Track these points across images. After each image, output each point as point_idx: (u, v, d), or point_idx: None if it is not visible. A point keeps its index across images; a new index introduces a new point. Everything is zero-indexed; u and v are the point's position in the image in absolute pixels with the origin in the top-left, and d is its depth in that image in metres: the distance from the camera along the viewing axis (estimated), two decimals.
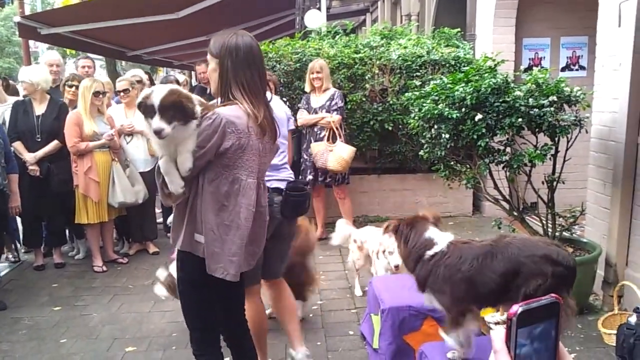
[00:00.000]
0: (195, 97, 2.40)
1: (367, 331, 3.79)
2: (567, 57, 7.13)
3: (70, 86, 5.79)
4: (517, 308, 0.80)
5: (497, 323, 3.67)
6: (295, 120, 6.10)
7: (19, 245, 6.01)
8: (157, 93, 2.25)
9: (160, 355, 3.82)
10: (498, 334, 0.85)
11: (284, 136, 3.59)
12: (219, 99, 2.54)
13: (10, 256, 5.97)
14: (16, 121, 5.38)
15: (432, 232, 2.68)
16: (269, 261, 3.22)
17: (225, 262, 2.43)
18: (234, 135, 2.37)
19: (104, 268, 5.57)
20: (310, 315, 4.41)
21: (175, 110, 2.24)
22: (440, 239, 2.64)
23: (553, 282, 2.41)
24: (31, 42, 8.65)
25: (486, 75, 4.15)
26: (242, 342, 2.87)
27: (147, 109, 2.25)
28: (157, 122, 2.22)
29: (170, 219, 2.79)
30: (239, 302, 2.86)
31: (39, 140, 5.42)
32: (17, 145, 5.31)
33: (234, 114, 2.40)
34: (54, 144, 5.48)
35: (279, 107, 3.73)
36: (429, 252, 2.60)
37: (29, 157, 5.35)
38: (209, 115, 2.35)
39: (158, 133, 2.23)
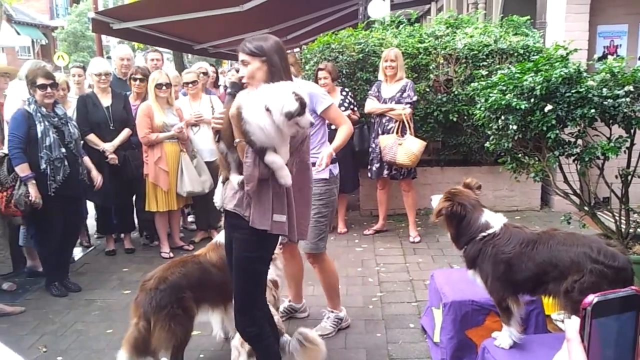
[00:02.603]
0: None
1: (428, 324, 3.76)
2: None
3: (135, 79, 5.97)
4: (592, 298, 0.78)
5: (564, 321, 3.56)
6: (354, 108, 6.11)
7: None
8: (305, 95, 2.60)
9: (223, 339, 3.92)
10: (572, 323, 0.82)
11: None
12: None
13: (84, 241, 6.29)
14: (86, 114, 5.56)
15: (486, 215, 2.77)
16: None
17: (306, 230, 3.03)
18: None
19: (171, 254, 5.76)
20: (370, 306, 4.41)
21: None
22: (495, 221, 2.74)
23: (592, 280, 2.37)
24: (103, 37, 9.01)
25: (557, 64, 3.99)
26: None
27: (302, 108, 2.56)
28: (310, 117, 2.68)
29: (217, 200, 3.03)
30: None
31: (113, 129, 5.66)
32: (92, 138, 5.52)
33: None
34: (126, 131, 5.73)
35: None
36: (482, 234, 2.70)
37: (108, 146, 5.58)
38: None
39: (312, 124, 2.78)
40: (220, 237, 3.75)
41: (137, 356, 3.19)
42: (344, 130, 3.82)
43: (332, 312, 4.03)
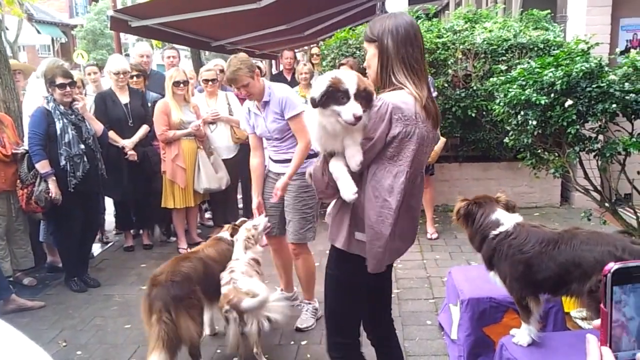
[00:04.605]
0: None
1: (445, 321, 3.74)
2: None
3: (131, 77, 6.01)
4: (612, 265, 0.78)
5: (583, 319, 3.51)
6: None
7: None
8: (350, 78, 2.09)
9: None
10: (592, 337, 0.82)
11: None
12: (380, 88, 2.35)
13: (104, 237, 6.36)
14: (105, 111, 5.60)
15: (499, 213, 2.73)
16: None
17: (384, 258, 2.30)
18: (400, 122, 2.17)
19: (189, 250, 5.78)
20: None
21: (364, 96, 2.11)
22: (507, 220, 2.69)
23: None
24: (122, 35, 9.08)
25: (578, 59, 3.92)
26: (388, 342, 2.76)
27: (336, 95, 2.08)
28: (357, 106, 2.06)
29: (329, 209, 2.55)
30: (387, 301, 2.79)
31: (132, 125, 5.71)
32: (111, 134, 5.53)
33: (400, 99, 2.20)
34: (144, 128, 5.78)
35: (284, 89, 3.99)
36: (494, 232, 2.66)
37: (127, 143, 5.63)
38: (374, 103, 2.19)
39: (358, 119, 2.06)
40: (223, 233, 3.94)
41: (170, 356, 3.15)
42: (301, 150, 3.80)
43: (310, 303, 4.18)
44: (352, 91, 2.07)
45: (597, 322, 0.83)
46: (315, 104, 2.11)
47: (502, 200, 2.86)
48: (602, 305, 0.81)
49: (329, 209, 2.50)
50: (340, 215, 2.36)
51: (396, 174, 2.21)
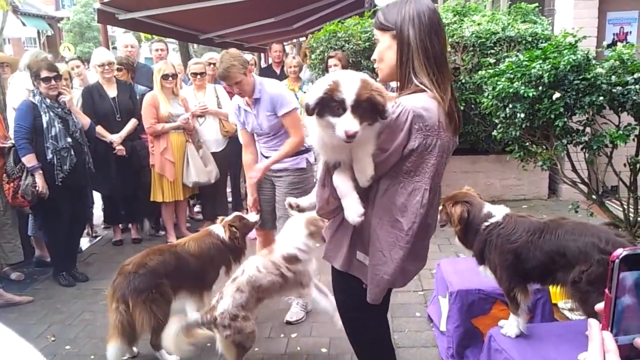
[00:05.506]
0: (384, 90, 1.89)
1: (434, 313, 3.76)
2: None
3: (119, 69, 6.00)
4: (621, 251, 0.79)
5: (571, 310, 3.54)
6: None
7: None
8: (349, 85, 1.75)
9: None
10: (595, 322, 0.83)
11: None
12: (397, 84, 2.05)
13: (92, 232, 6.33)
14: (93, 105, 5.54)
15: (488, 206, 2.74)
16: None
17: (387, 287, 2.08)
18: (420, 133, 1.89)
19: None
20: None
21: (368, 107, 1.77)
22: (497, 211, 2.70)
23: (600, 271, 2.32)
24: (109, 27, 9.02)
25: (565, 52, 3.94)
26: None
27: (331, 104, 1.76)
28: (351, 122, 1.72)
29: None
30: None
31: (120, 120, 5.66)
32: (99, 129, 5.48)
33: (422, 105, 1.90)
34: (133, 122, 5.73)
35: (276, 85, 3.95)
36: (485, 224, 2.66)
37: (115, 137, 5.58)
38: (392, 110, 1.87)
39: (351, 137, 1.73)
40: (214, 227, 3.84)
41: (126, 343, 3.29)
42: (290, 144, 3.79)
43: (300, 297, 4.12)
44: (349, 101, 1.73)
45: (600, 305, 0.84)
46: (308, 111, 1.79)
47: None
48: (606, 290, 0.81)
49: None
50: (341, 232, 2.12)
51: (411, 192, 1.94)
